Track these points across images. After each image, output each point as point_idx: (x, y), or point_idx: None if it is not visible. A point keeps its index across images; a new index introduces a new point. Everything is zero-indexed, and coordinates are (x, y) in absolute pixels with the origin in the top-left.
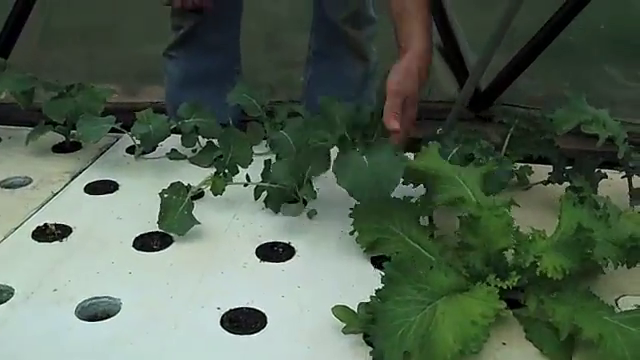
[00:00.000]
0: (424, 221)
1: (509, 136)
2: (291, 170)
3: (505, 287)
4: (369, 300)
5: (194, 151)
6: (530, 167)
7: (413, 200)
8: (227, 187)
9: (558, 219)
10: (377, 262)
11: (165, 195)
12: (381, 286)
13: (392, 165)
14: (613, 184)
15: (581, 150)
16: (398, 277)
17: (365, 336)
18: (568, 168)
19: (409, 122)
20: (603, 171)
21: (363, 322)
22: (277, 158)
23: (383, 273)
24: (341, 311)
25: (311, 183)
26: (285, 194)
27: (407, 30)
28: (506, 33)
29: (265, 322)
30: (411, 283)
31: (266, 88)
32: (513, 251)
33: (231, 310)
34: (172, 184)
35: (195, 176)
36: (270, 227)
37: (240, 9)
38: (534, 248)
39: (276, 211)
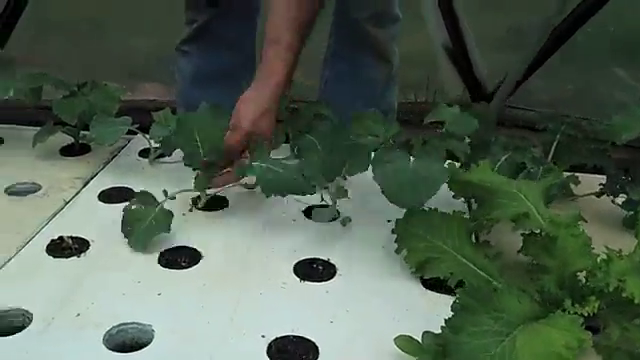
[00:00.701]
0: None
1: (555, 144)
2: (322, 169)
3: (586, 314)
4: (427, 327)
5: None
6: (577, 177)
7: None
8: (251, 195)
9: (635, 237)
10: (427, 281)
11: (132, 207)
12: (449, 314)
13: (436, 171)
14: None
15: (635, 160)
16: (474, 305)
17: None
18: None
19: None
20: None
21: (431, 355)
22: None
23: (436, 294)
24: (405, 342)
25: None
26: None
27: (272, 65)
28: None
29: (317, 353)
30: (488, 312)
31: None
32: (586, 273)
33: (278, 338)
34: (138, 194)
35: None
36: (304, 240)
37: (258, 4)
38: (614, 270)
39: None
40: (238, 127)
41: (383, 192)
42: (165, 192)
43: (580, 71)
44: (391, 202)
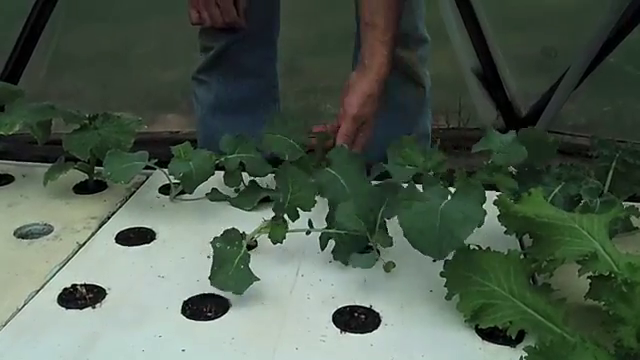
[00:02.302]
0: None
1: (611, 172)
2: (360, 212)
3: None
4: None
5: (237, 190)
6: (637, 209)
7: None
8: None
9: None
10: (483, 330)
11: (217, 245)
12: None
13: (467, 219)
14: None
15: None
16: None
17: None
18: None
19: (361, 146)
20: None
21: None
22: (329, 204)
23: (495, 346)
24: None
25: (385, 228)
26: (357, 242)
27: (372, 48)
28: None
29: None
30: None
31: (298, 122)
32: None
33: None
34: (225, 231)
35: (244, 221)
36: (343, 286)
37: (276, 28)
38: None
39: (346, 263)
40: (346, 115)
41: (406, 237)
42: (243, 234)
43: (615, 93)
44: (413, 246)
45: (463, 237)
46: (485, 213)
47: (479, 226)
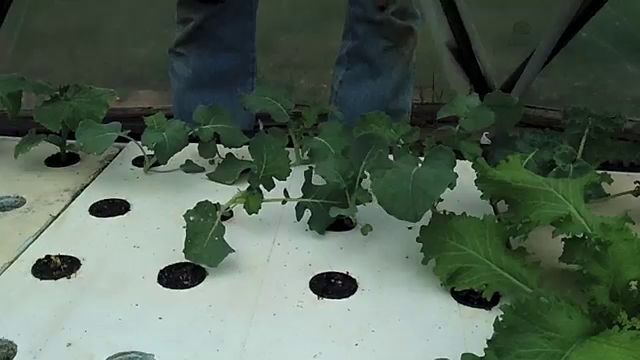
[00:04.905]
0: None
1: (584, 139)
2: (340, 168)
3: None
4: (464, 347)
5: (212, 162)
6: (609, 175)
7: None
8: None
9: None
10: (458, 294)
11: (191, 218)
12: (488, 330)
13: (437, 181)
14: None
15: None
16: (521, 324)
17: None
18: None
19: None
20: None
21: None
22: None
23: (470, 309)
24: None
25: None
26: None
27: None
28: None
29: None
30: (538, 331)
31: (284, 90)
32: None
33: None
34: (199, 203)
35: (219, 192)
36: (320, 253)
37: (256, 1)
38: None
39: (322, 232)
40: None
41: (379, 203)
42: (217, 205)
43: (587, 67)
44: (388, 213)
45: (436, 195)
46: (456, 175)
47: (451, 187)
